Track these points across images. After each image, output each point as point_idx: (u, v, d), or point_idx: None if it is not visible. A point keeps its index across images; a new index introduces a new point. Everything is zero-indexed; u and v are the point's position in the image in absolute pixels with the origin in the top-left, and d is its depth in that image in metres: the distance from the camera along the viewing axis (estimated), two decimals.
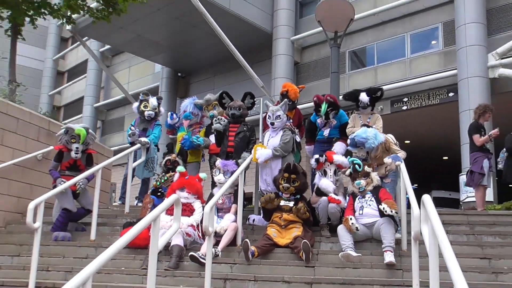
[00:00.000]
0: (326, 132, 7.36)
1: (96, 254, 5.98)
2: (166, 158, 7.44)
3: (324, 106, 7.14)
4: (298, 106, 7.99)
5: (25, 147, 8.14)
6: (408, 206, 5.31)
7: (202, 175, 6.74)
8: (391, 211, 5.43)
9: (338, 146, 7.02)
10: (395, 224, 5.62)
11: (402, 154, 6.44)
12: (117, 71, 27.46)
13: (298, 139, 7.23)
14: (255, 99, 7.85)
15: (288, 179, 6.24)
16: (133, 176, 8.52)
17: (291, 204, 6.14)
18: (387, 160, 6.18)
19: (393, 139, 6.73)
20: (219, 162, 6.78)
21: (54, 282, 5.35)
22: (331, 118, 7.24)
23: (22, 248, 6.59)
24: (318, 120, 7.37)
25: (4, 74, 12.67)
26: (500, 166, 8.13)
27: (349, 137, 6.87)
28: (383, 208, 5.47)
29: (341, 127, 7.37)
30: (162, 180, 7.05)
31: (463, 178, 12.09)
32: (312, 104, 7.50)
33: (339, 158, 6.56)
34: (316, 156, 6.63)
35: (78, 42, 24.73)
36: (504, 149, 8.03)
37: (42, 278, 5.50)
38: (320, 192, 6.37)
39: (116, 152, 9.70)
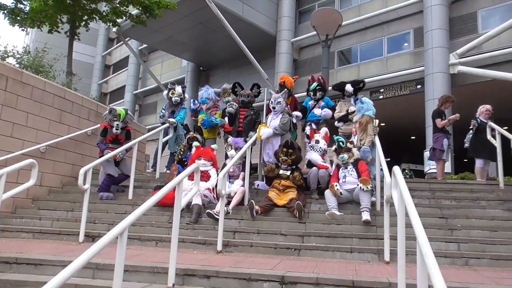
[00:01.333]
0: (317, 111, 7.28)
1: (132, 210, 5.99)
2: (187, 137, 7.39)
3: (314, 84, 7.26)
4: (294, 95, 7.88)
5: (78, 125, 8.09)
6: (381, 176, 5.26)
7: (213, 146, 6.74)
8: (366, 188, 5.36)
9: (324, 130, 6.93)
10: (371, 190, 5.57)
11: (369, 139, 6.29)
12: (152, 65, 27.33)
13: (294, 120, 7.17)
14: (261, 89, 7.76)
15: (286, 153, 6.18)
16: (163, 149, 8.49)
17: (288, 173, 6.12)
18: (356, 151, 6.07)
19: (376, 123, 6.63)
20: (230, 139, 6.73)
21: (100, 232, 5.37)
22: (317, 95, 7.25)
23: (75, 205, 6.60)
24: (310, 102, 7.36)
25: (64, 67, 12.67)
26: (466, 145, 8.04)
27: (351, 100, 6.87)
28: (360, 187, 5.39)
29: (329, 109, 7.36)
30: (181, 153, 7.04)
31: (426, 154, 12.02)
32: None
33: (324, 130, 6.63)
34: (308, 128, 6.91)
35: (122, 42, 24.61)
36: (470, 132, 7.93)
37: (90, 229, 5.53)
38: (311, 165, 6.34)
39: (149, 130, 9.69)
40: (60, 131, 7.69)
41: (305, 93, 7.63)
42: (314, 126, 6.69)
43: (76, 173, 7.67)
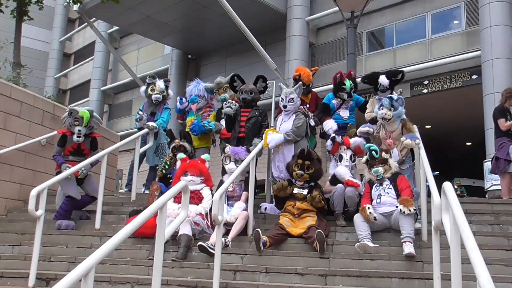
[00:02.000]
0: (344, 114, 7.31)
1: (100, 243, 5.95)
2: (172, 146, 7.38)
3: (348, 83, 7.24)
4: (314, 89, 7.91)
5: (28, 132, 8.15)
6: (429, 194, 5.21)
7: (204, 156, 6.73)
8: (409, 211, 5.32)
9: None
10: (415, 214, 5.52)
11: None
12: (125, 53, 27.52)
13: (312, 123, 7.17)
14: (267, 83, 7.78)
15: (302, 165, 6.16)
16: (141, 163, 8.50)
17: (305, 192, 6.09)
18: (404, 139, 6.07)
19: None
20: (228, 149, 6.71)
21: (56, 273, 5.34)
22: (352, 97, 7.34)
23: (24, 237, 6.61)
24: (334, 101, 7.38)
25: (9, 57, 12.72)
26: None
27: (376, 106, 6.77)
28: (400, 210, 5.36)
29: (359, 108, 7.43)
30: (166, 167, 7.03)
31: (487, 165, 11.95)
32: (329, 87, 7.45)
33: (356, 140, 6.57)
34: (332, 133, 6.71)
35: (85, 23, 24.83)
36: None
37: (44, 269, 5.50)
38: (335, 181, 6.32)
39: (123, 137, 9.72)
40: (4, 140, 7.72)
41: (327, 87, 7.65)
42: (338, 139, 6.59)
43: (25, 195, 7.63)
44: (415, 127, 6.49)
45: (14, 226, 7.17)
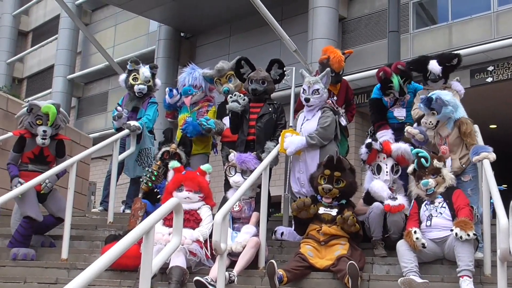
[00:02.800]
0: (400, 113, 7.31)
1: (68, 278, 6.01)
2: (164, 149, 7.41)
3: (396, 79, 7.12)
4: (345, 77, 7.92)
5: None
6: (494, 215, 5.23)
7: (204, 166, 6.78)
8: (467, 236, 5.33)
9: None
10: (475, 240, 5.54)
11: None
12: (98, 31, 27.59)
13: (343, 122, 7.20)
14: (285, 69, 7.79)
15: (330, 177, 6.18)
16: (119, 174, 8.56)
17: (334, 212, 6.10)
18: (471, 156, 6.02)
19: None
20: (233, 156, 6.75)
21: None
22: (407, 93, 7.26)
23: None
24: (386, 98, 7.38)
25: None
26: None
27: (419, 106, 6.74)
28: (456, 235, 5.37)
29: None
30: (153, 178, 7.06)
31: None
32: (364, 74, 7.46)
33: (400, 146, 6.50)
34: (368, 140, 6.63)
35: None
36: None
37: None
38: (370, 199, 6.32)
39: (96, 141, 9.77)
40: None
41: (355, 74, 7.65)
42: (376, 146, 6.52)
43: None
44: (476, 128, 6.48)
45: None
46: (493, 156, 5.88)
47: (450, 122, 6.39)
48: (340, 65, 7.54)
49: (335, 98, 7.42)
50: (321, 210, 6.16)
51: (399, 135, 6.98)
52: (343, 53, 7.82)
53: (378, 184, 6.32)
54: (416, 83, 7.58)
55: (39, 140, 7.09)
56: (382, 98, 7.39)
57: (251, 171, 6.47)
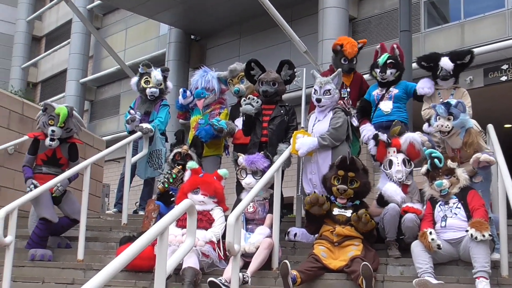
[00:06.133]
0: (386, 105, 7.23)
1: (85, 278, 6.04)
2: (175, 151, 7.42)
3: (384, 56, 7.21)
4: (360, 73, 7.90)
5: None
6: (510, 215, 5.19)
7: (222, 171, 6.76)
8: (483, 236, 5.29)
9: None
10: (492, 241, 5.50)
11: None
12: (109, 34, 27.73)
13: (355, 122, 7.17)
14: (295, 70, 7.76)
15: (343, 178, 6.15)
16: (133, 176, 8.58)
17: (349, 213, 6.06)
18: (480, 154, 5.98)
19: (477, 126, 6.54)
20: (241, 159, 6.74)
21: None
22: (387, 75, 7.20)
23: None
24: (374, 92, 7.36)
25: None
26: None
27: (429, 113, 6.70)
28: (471, 235, 5.33)
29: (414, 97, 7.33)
30: (170, 180, 7.06)
31: None
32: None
33: (407, 136, 6.42)
34: (370, 133, 6.68)
35: None
36: None
37: None
38: (384, 202, 6.27)
39: (109, 143, 9.78)
40: None
41: (366, 74, 7.62)
42: (383, 137, 6.53)
43: None
44: (490, 128, 6.42)
45: None
46: (492, 160, 5.91)
47: (463, 131, 6.31)
48: (353, 51, 7.54)
49: (348, 89, 7.40)
50: (335, 211, 6.12)
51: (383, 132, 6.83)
52: (358, 42, 7.81)
53: (391, 187, 6.22)
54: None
55: (47, 141, 7.11)
56: (371, 97, 7.38)
57: (261, 171, 6.51)
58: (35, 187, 6.83)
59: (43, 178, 7.00)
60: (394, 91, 7.28)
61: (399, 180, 6.30)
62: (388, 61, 7.22)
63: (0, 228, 5.27)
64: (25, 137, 8.31)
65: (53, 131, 7.09)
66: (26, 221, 7.41)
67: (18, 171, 8.06)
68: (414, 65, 7.70)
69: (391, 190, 6.20)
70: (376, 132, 6.62)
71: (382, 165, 6.54)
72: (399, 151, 6.43)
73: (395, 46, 7.44)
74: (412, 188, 6.45)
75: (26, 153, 7.36)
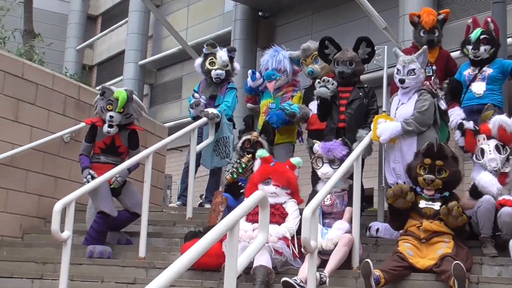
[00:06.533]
0: (478, 87, 7.13)
1: (147, 277, 6.12)
2: (244, 138, 7.43)
3: (477, 31, 7.15)
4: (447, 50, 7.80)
5: (46, 125, 8.39)
6: None
7: (295, 160, 6.75)
8: None
9: None
10: None
11: None
12: (170, 12, 27.98)
13: (443, 106, 7.09)
14: (374, 48, 7.68)
15: (431, 167, 6.06)
16: (198, 165, 8.65)
17: (437, 206, 5.98)
18: None
19: None
20: (317, 146, 6.70)
21: None
22: (481, 52, 7.12)
23: (46, 268, 6.78)
24: (466, 72, 7.28)
25: (18, 24, 13.17)
26: None
27: None
28: None
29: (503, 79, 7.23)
30: (239, 170, 7.07)
31: None
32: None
33: (496, 118, 6.32)
34: (458, 119, 6.62)
35: None
36: None
37: None
38: (477, 193, 6.16)
39: (171, 130, 9.86)
40: (15, 135, 8.00)
41: (459, 51, 7.51)
42: (468, 125, 6.42)
43: (45, 210, 7.97)
44: None
45: (33, 252, 7.39)
46: None
47: None
48: (430, 19, 7.52)
49: (433, 67, 7.33)
50: (422, 204, 6.05)
51: (476, 119, 6.74)
52: (438, 13, 7.80)
53: (486, 177, 6.12)
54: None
55: (105, 127, 7.16)
56: (461, 77, 7.29)
57: (340, 159, 6.47)
58: (93, 178, 6.92)
59: (101, 168, 7.09)
60: (488, 71, 7.19)
61: (494, 169, 6.21)
62: (482, 37, 7.14)
63: (56, 223, 5.35)
64: (82, 124, 8.38)
65: (111, 116, 7.15)
66: (83, 215, 7.50)
67: (74, 161, 8.16)
68: (510, 40, 7.50)
69: (486, 180, 6.11)
70: (460, 120, 6.54)
71: (474, 155, 6.43)
72: (489, 137, 6.35)
73: (489, 19, 7.37)
74: (511, 178, 6.29)
75: (83, 141, 7.46)
